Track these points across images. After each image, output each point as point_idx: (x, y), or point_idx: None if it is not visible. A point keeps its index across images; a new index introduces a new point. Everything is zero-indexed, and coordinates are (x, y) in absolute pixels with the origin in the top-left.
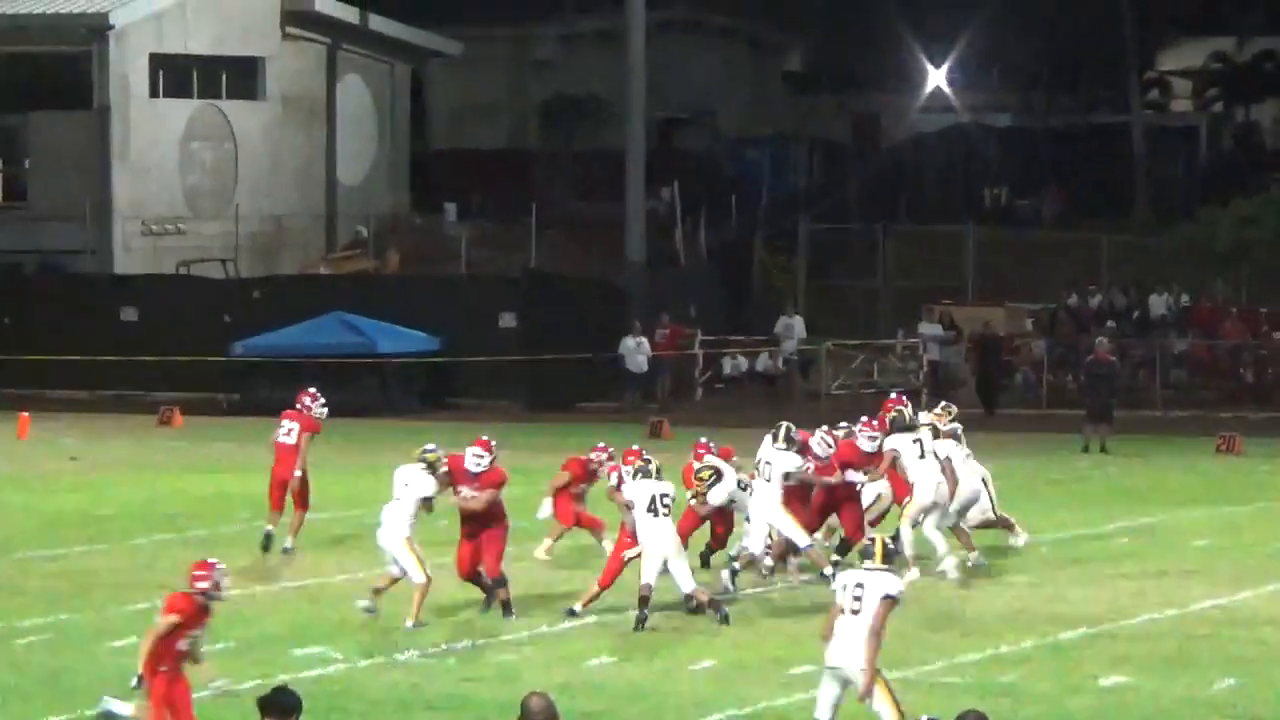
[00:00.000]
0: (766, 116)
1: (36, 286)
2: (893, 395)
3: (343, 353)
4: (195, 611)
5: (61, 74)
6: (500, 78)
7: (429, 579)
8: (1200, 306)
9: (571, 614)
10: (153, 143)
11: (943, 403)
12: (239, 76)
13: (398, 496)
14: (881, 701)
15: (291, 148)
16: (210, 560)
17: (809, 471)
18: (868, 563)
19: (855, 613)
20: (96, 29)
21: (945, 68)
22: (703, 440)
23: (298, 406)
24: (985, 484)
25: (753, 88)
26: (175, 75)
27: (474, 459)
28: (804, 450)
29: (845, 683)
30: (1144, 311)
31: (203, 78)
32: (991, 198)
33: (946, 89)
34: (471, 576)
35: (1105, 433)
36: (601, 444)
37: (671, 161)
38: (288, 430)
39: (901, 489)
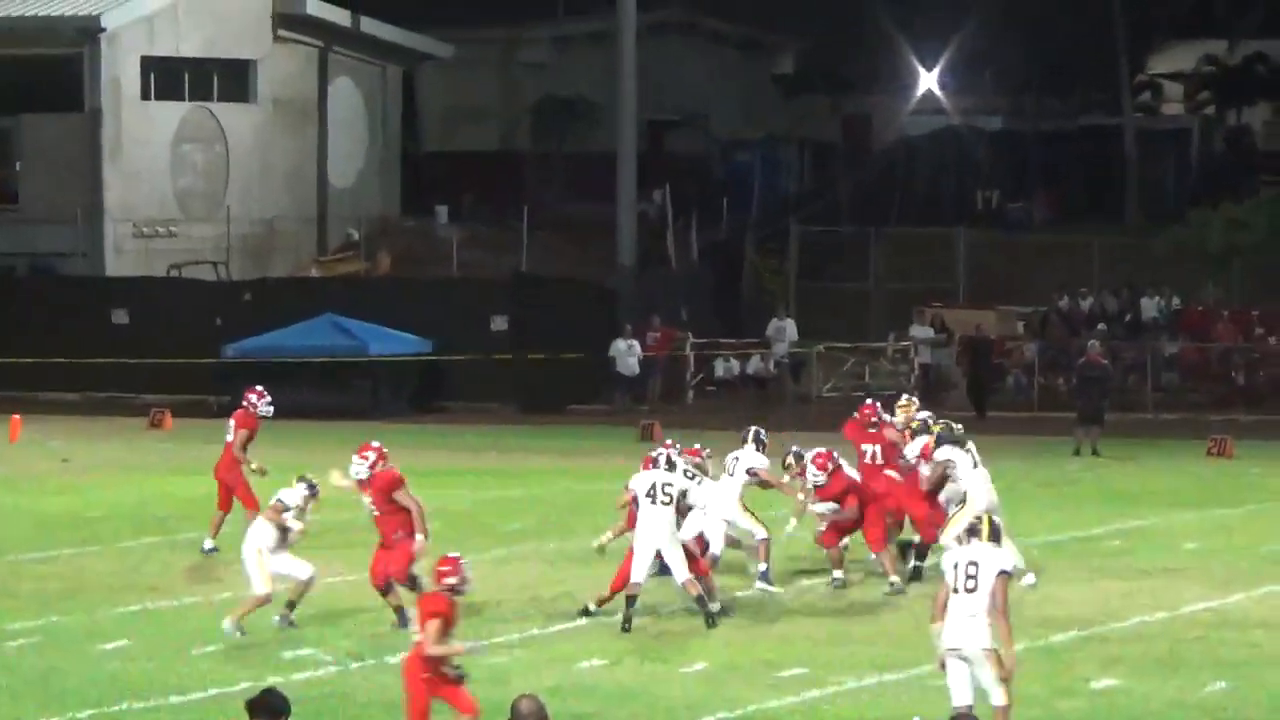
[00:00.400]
0: (758, 119)
1: (28, 289)
2: (867, 402)
3: (334, 355)
4: (452, 608)
5: (53, 76)
6: (491, 80)
7: (268, 596)
8: (1191, 309)
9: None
10: (144, 145)
11: (904, 396)
12: (230, 79)
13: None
14: (997, 685)
15: (283, 150)
16: (453, 555)
17: (771, 473)
18: (974, 540)
19: (970, 591)
20: (88, 31)
21: (937, 70)
22: (668, 442)
23: (243, 404)
24: None
25: (744, 90)
26: (166, 77)
27: (354, 466)
28: (800, 475)
29: (970, 662)
30: (1135, 314)
31: (194, 80)
32: (983, 200)
33: (938, 91)
34: (383, 588)
35: (1096, 435)
36: (698, 445)
37: (663, 164)
38: (230, 429)
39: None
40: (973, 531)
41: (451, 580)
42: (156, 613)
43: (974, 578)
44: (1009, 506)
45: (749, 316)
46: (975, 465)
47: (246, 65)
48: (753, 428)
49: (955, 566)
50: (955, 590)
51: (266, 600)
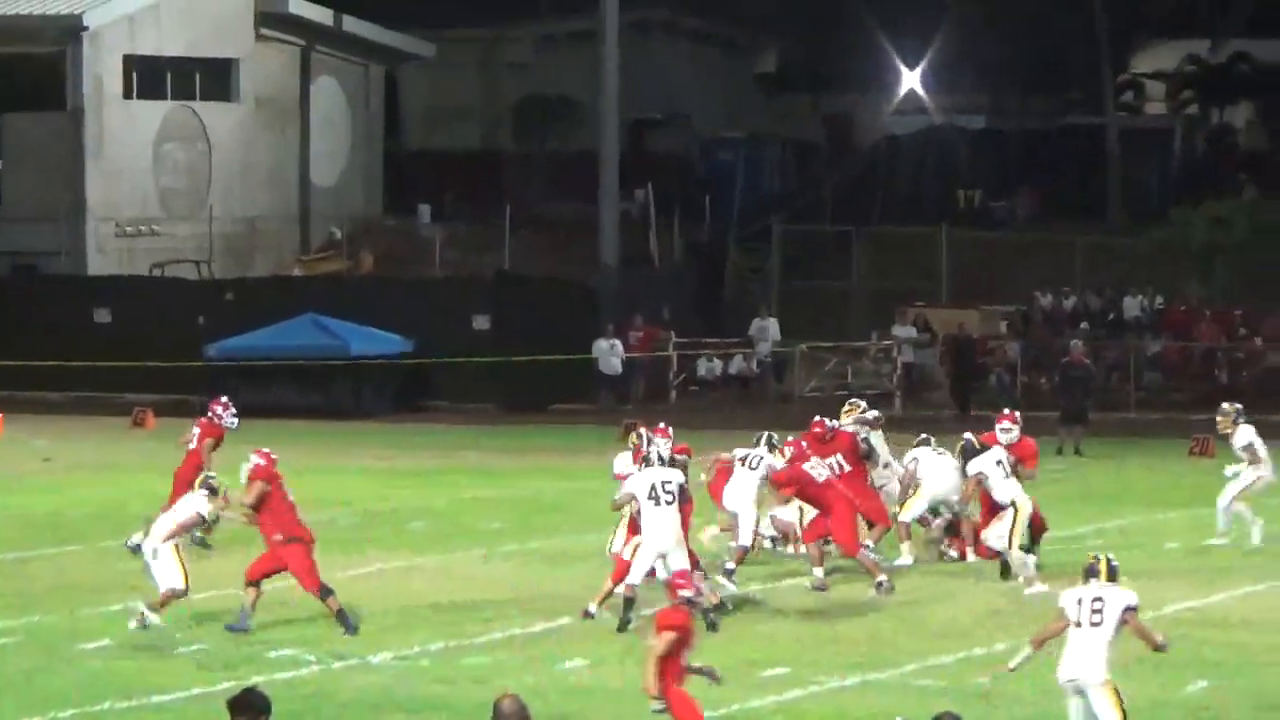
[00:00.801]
0: (740, 118)
1: (10, 288)
2: (816, 419)
3: (316, 355)
4: (689, 622)
5: (35, 75)
6: (474, 79)
7: (187, 588)
8: (1174, 308)
9: (588, 615)
10: (126, 144)
11: (850, 399)
12: (213, 78)
13: (176, 508)
14: (1112, 709)
15: (265, 149)
16: (685, 569)
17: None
18: (1093, 581)
19: (1096, 625)
20: (70, 30)
21: (919, 69)
22: (660, 426)
23: (208, 414)
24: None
25: (726, 89)
26: (149, 76)
27: (242, 470)
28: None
29: (1085, 692)
30: (1118, 313)
31: (176, 79)
32: (965, 199)
33: (920, 90)
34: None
35: (1079, 434)
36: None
37: (645, 163)
38: (190, 437)
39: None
40: (1091, 572)
41: (687, 593)
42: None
43: (1100, 613)
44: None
45: (731, 316)
46: (1007, 475)
47: (229, 64)
48: (766, 433)
49: (1079, 602)
50: (1079, 624)
51: (183, 594)
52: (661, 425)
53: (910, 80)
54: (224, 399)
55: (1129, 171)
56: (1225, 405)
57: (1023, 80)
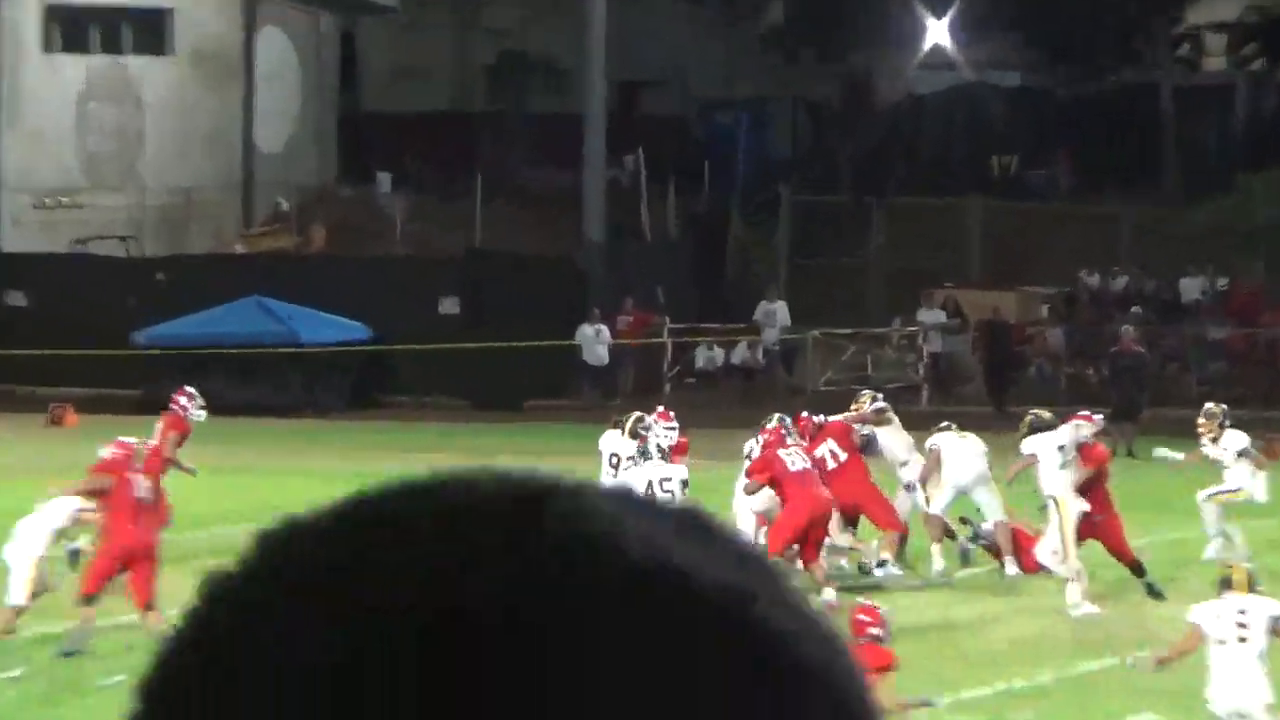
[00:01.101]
0: (743, 76)
1: None
2: (803, 415)
3: (260, 343)
4: (893, 656)
5: None
6: (444, 33)
7: (27, 606)
8: (1239, 290)
9: None
10: (46, 104)
11: (861, 390)
12: (144, 29)
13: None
14: None
15: (203, 110)
16: (871, 604)
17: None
18: (1228, 593)
19: (1243, 641)
20: None
21: (947, 20)
22: (662, 410)
23: (171, 406)
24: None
25: (727, 45)
26: (71, 28)
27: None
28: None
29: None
30: (1175, 295)
31: (103, 31)
32: (999, 166)
33: (948, 44)
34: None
35: (1131, 435)
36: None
37: (636, 126)
38: (156, 432)
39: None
40: (1226, 584)
41: (876, 631)
42: (55, 639)
43: (1245, 626)
44: (1033, 516)
45: (734, 298)
46: (1062, 466)
47: (162, 14)
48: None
49: (1219, 618)
50: (1222, 642)
51: (22, 611)
52: (662, 409)
53: (937, 32)
54: (189, 389)
55: (1185, 134)
56: (1210, 406)
57: (1065, 33)
